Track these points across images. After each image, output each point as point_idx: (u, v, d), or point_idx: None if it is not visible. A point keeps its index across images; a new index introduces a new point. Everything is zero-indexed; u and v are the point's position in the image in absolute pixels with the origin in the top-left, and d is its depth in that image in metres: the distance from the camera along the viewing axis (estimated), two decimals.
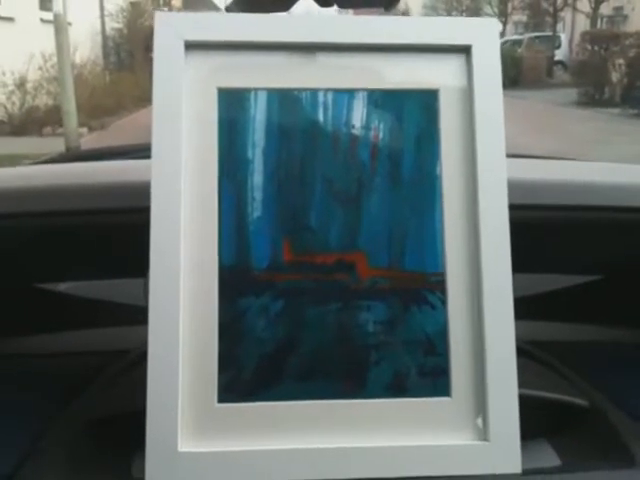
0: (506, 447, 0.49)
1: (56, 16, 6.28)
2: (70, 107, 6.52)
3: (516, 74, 15.78)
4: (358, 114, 0.53)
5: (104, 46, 12.45)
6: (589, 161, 1.05)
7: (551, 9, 20.04)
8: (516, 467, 0.49)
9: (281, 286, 0.51)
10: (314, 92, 0.53)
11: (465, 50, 0.54)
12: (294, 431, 0.49)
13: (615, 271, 0.86)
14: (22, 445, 0.54)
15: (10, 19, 8.29)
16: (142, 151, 0.97)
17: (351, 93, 0.53)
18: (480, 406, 0.50)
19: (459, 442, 0.50)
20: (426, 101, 0.53)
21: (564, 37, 20.29)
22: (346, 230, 0.52)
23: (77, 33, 8.78)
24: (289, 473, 0.48)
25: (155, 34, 0.51)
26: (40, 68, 8.37)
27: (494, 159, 0.52)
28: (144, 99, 9.13)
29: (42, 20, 8.91)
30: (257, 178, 0.51)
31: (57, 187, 0.67)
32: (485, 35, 0.54)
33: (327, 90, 0.53)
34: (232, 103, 0.52)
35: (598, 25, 18.02)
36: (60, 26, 6.32)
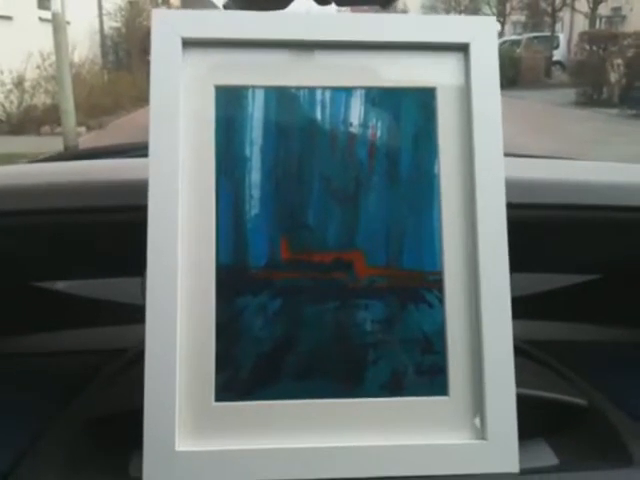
0: (504, 446, 0.49)
1: (54, 15, 6.27)
2: (68, 106, 6.51)
3: (514, 74, 15.79)
4: (356, 112, 0.52)
5: (102, 45, 12.45)
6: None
7: (549, 9, 20.05)
8: (514, 466, 0.49)
9: (279, 284, 0.51)
10: (312, 90, 0.52)
11: (463, 48, 0.53)
12: (292, 430, 0.49)
13: (613, 270, 0.86)
14: (21, 444, 0.54)
15: (8, 18, 8.27)
16: (140, 150, 0.97)
17: (349, 91, 0.53)
18: (478, 405, 0.50)
19: (457, 441, 0.50)
20: (424, 99, 0.53)
21: (562, 37, 20.31)
22: (344, 228, 0.52)
23: (75, 32, 8.77)
24: (287, 472, 0.48)
25: (152, 31, 0.51)
26: (38, 67, 8.36)
27: (492, 157, 0.52)
28: (142, 99, 9.12)
29: (40, 19, 8.90)
30: (255, 176, 0.51)
31: (55, 185, 0.67)
32: (483, 33, 0.54)
33: (325, 88, 0.52)
34: (230, 101, 0.52)
35: (596, 25, 18.04)
36: (58, 25, 6.31)
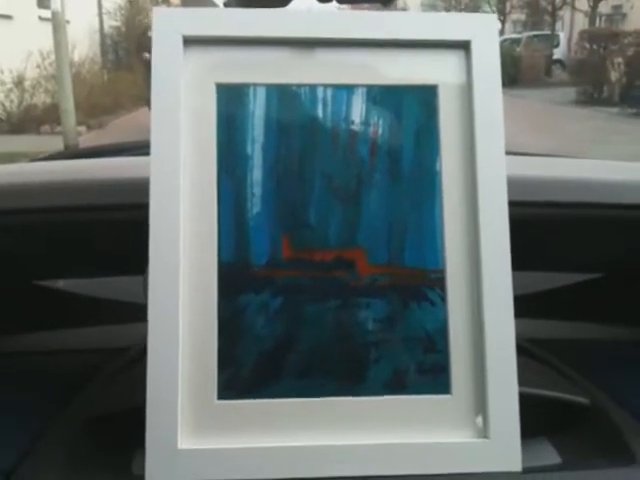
0: (506, 445, 0.49)
1: (54, 14, 6.27)
2: (68, 105, 6.51)
3: (515, 73, 15.77)
4: (357, 110, 0.52)
5: (102, 44, 12.45)
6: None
7: (550, 8, 20.03)
8: (516, 465, 0.49)
9: (280, 283, 0.51)
10: (313, 88, 0.52)
11: (464, 46, 0.53)
12: (294, 428, 0.49)
13: (615, 269, 0.85)
14: (22, 443, 0.54)
15: (8, 17, 8.27)
16: (140, 149, 0.97)
17: (350, 89, 0.53)
18: (480, 404, 0.50)
19: (459, 440, 0.49)
20: (425, 97, 0.53)
21: (563, 36, 20.29)
22: (345, 227, 0.52)
23: (75, 31, 8.76)
24: (289, 470, 0.48)
25: (153, 29, 0.51)
26: (38, 66, 8.36)
27: (493, 155, 0.52)
28: (142, 98, 9.11)
29: (40, 18, 8.89)
30: (256, 174, 0.51)
31: (56, 183, 0.67)
32: (484, 31, 0.53)
33: (326, 86, 0.52)
34: (231, 99, 0.52)
35: (597, 24, 18.03)
36: (58, 24, 6.31)
